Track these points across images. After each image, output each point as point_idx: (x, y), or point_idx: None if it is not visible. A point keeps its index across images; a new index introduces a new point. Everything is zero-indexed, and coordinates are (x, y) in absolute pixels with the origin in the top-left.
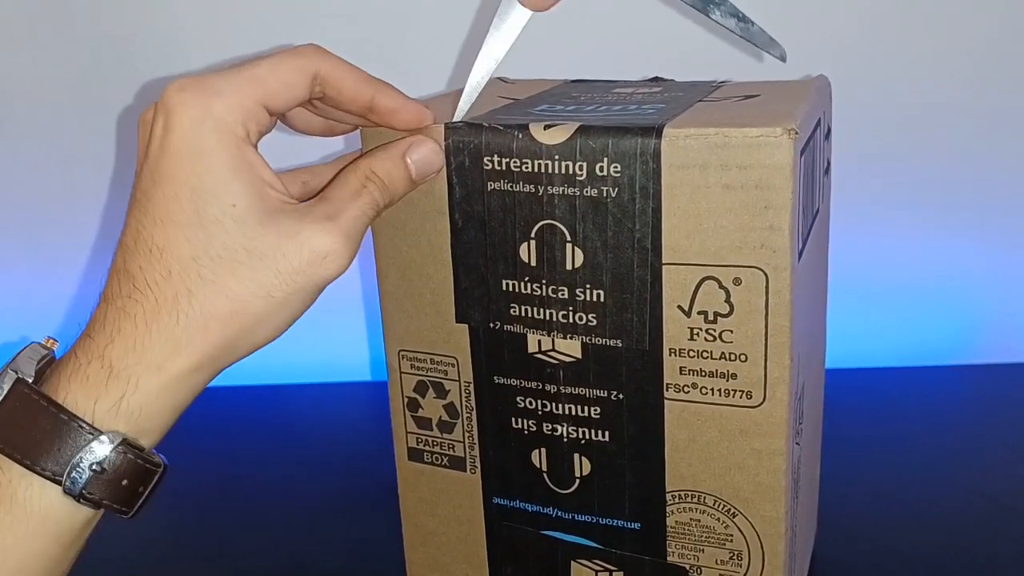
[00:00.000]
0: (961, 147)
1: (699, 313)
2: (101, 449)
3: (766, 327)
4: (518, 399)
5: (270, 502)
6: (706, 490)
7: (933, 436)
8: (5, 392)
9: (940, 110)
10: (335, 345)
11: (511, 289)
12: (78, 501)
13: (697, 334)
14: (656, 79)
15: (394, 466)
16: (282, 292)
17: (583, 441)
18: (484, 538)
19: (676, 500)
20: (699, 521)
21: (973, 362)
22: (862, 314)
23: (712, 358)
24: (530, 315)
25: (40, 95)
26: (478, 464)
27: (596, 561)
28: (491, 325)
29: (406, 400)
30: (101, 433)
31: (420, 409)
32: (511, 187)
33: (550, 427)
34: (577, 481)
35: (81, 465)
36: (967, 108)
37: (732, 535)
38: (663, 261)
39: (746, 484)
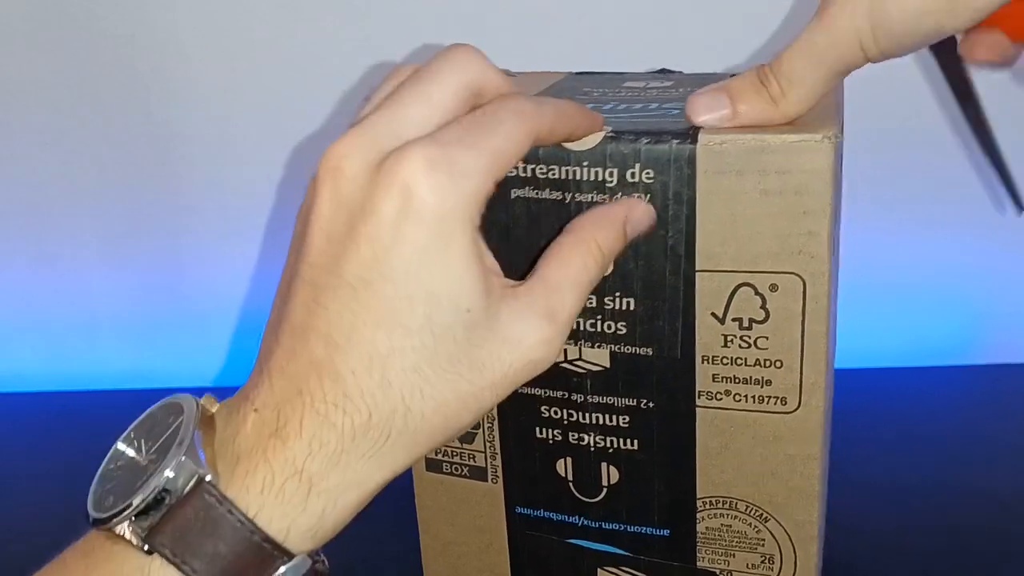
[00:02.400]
0: (963, 145)
1: (734, 320)
2: (294, 574)
3: (803, 333)
4: (543, 409)
5: None
6: (738, 496)
7: (934, 436)
8: (185, 491)
9: (941, 109)
10: None
11: None
12: None
13: (731, 341)
14: (664, 71)
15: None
16: (490, 403)
17: (611, 450)
18: (506, 547)
19: (707, 506)
20: (730, 527)
21: (975, 362)
22: (863, 314)
23: (747, 365)
24: None
25: (40, 95)
26: (500, 474)
27: (623, 568)
28: None
29: None
30: (294, 556)
31: None
32: (537, 194)
33: (576, 436)
34: (604, 490)
35: None
36: None
37: (764, 539)
38: (696, 268)
39: (779, 489)
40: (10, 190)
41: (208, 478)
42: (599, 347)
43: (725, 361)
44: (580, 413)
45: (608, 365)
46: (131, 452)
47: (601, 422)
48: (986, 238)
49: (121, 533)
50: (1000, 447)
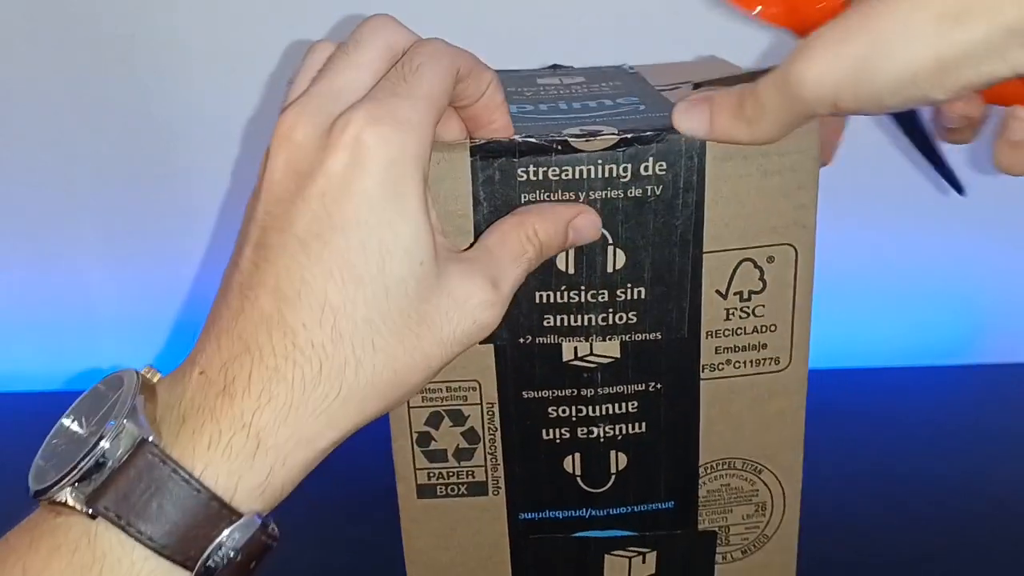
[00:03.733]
0: (963, 146)
1: (735, 294)
2: (242, 535)
3: (794, 296)
4: (550, 410)
5: None
6: (736, 455)
7: (934, 436)
8: (127, 455)
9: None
10: None
11: (545, 301)
12: None
13: (733, 314)
14: (556, 67)
15: (383, 474)
16: (439, 363)
17: (619, 437)
18: (508, 558)
19: (708, 471)
20: (729, 485)
21: (975, 362)
22: (864, 314)
23: (745, 333)
24: (566, 324)
25: (40, 95)
26: (502, 484)
27: (629, 548)
28: (521, 340)
29: (415, 436)
30: (243, 516)
31: (432, 442)
32: (548, 196)
33: (585, 431)
34: (613, 477)
35: (219, 553)
36: None
37: (758, 490)
38: (704, 250)
39: (772, 441)
40: (10, 190)
41: (150, 439)
42: (610, 339)
43: (727, 333)
44: (590, 407)
45: (619, 355)
46: (74, 427)
47: (611, 411)
48: (986, 238)
49: (63, 500)
50: (1000, 447)
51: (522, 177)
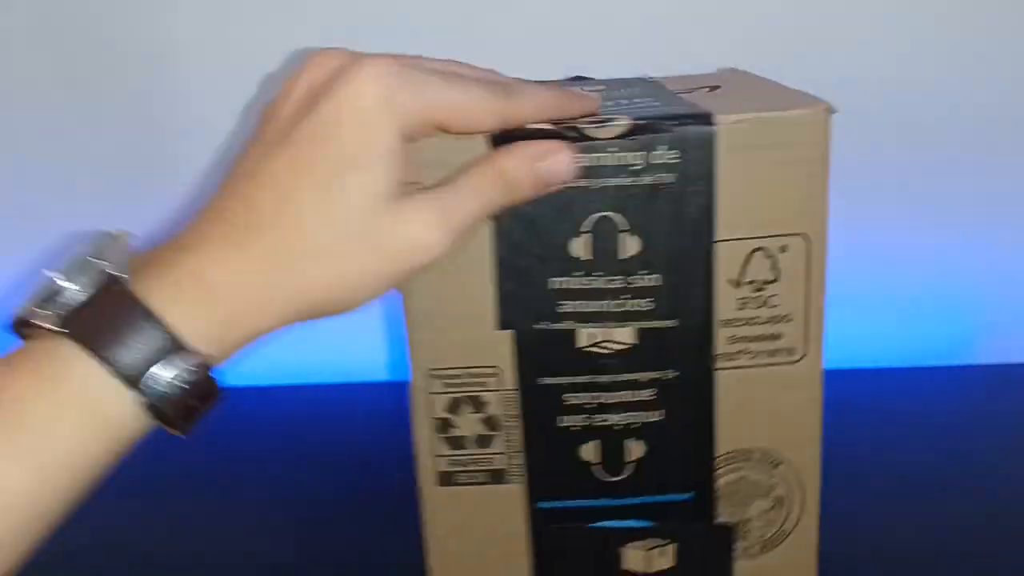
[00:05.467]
0: (963, 145)
1: (748, 283)
2: (184, 366)
3: (808, 286)
4: (566, 397)
5: (271, 502)
6: (753, 447)
7: (934, 436)
8: (98, 287)
9: (941, 107)
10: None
11: (561, 287)
12: (148, 411)
13: (746, 303)
14: (579, 78)
15: (398, 466)
16: (381, 287)
17: (635, 425)
18: (527, 547)
19: (725, 462)
20: (746, 478)
21: (975, 362)
22: (864, 314)
23: (759, 323)
24: (581, 310)
25: (39, 95)
26: (521, 472)
27: (648, 540)
28: (536, 326)
29: (436, 423)
30: (188, 351)
31: (453, 429)
32: (563, 183)
33: (601, 419)
34: (629, 466)
35: (163, 378)
36: (968, 105)
37: (775, 484)
38: (716, 238)
39: (789, 433)
40: (10, 190)
41: (118, 275)
42: (625, 326)
43: (740, 323)
44: (606, 394)
45: (634, 342)
46: (48, 273)
47: (626, 400)
48: (986, 238)
49: (34, 321)
50: (1000, 447)
51: None
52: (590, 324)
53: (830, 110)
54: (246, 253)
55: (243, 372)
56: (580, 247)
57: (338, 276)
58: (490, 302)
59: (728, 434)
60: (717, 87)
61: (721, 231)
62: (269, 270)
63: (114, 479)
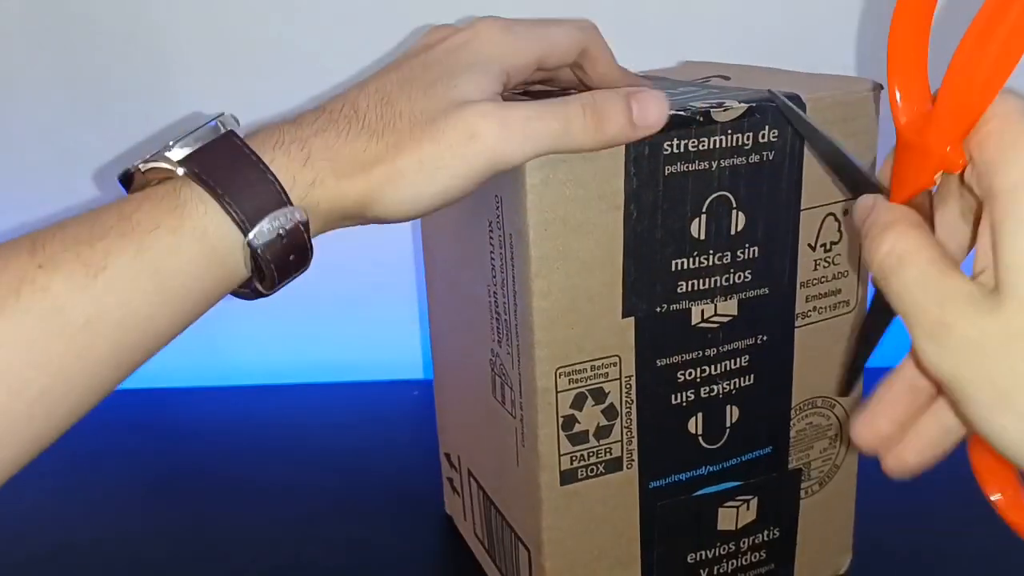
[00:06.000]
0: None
1: (821, 246)
2: (289, 219)
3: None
4: (678, 374)
5: (270, 502)
6: (818, 394)
7: None
8: (217, 137)
9: None
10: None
11: (680, 268)
12: (253, 254)
13: (819, 264)
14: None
15: (399, 467)
16: (434, 165)
17: (734, 392)
18: (638, 531)
19: (798, 412)
20: (812, 423)
21: None
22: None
23: (827, 281)
24: (697, 288)
25: (39, 94)
26: (635, 456)
27: (738, 498)
28: (657, 309)
29: (561, 421)
30: (293, 206)
31: (576, 425)
32: (687, 167)
33: (708, 390)
34: (727, 431)
35: (269, 227)
36: None
37: (832, 424)
38: (801, 208)
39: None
40: (9, 190)
41: (234, 131)
42: (729, 299)
43: (814, 283)
44: (713, 366)
45: (736, 313)
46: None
47: (728, 368)
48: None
49: (155, 165)
50: None
51: (667, 151)
52: (703, 301)
53: (880, 87)
54: (337, 130)
55: (243, 372)
56: (698, 227)
57: (402, 166)
58: (618, 291)
59: (801, 386)
60: (727, 77)
61: (805, 201)
62: (356, 148)
63: (114, 478)
